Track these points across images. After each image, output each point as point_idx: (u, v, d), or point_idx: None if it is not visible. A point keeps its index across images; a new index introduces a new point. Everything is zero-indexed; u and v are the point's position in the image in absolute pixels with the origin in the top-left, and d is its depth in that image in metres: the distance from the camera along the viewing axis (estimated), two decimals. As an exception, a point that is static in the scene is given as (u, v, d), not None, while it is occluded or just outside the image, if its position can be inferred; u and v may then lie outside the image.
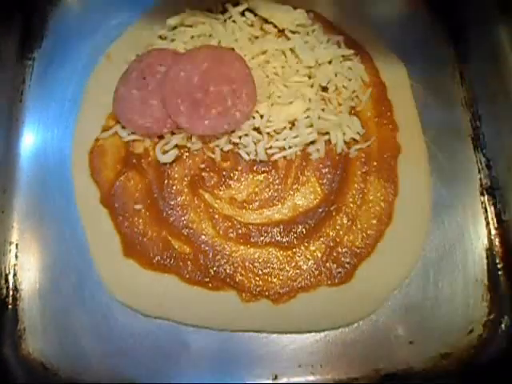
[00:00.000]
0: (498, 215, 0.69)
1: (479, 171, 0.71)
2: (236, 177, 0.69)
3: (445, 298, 0.65)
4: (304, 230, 0.67)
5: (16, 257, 0.67)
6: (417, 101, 0.74)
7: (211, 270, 0.65)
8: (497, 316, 0.65)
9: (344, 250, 0.66)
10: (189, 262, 0.65)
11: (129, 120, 0.69)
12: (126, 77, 0.71)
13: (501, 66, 0.70)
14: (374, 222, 0.67)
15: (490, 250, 0.68)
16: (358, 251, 0.66)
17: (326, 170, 0.69)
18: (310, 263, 0.65)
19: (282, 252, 0.66)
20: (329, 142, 0.70)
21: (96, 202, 0.68)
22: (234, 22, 0.74)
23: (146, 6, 0.78)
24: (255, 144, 0.69)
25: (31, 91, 0.75)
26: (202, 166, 0.69)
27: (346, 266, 0.65)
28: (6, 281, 0.66)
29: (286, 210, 0.68)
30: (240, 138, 0.69)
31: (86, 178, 0.69)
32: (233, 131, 0.68)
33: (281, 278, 0.65)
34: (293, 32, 0.73)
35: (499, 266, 0.67)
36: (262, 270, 0.65)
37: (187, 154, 0.70)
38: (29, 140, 0.72)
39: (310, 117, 0.68)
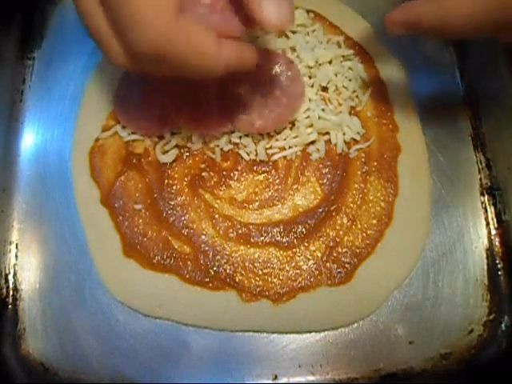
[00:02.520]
0: (498, 215, 0.69)
1: (479, 171, 0.71)
2: (236, 177, 0.69)
3: (445, 298, 0.65)
4: (304, 229, 0.67)
5: (16, 257, 0.67)
6: (417, 101, 0.74)
7: (211, 270, 0.65)
8: (497, 316, 0.65)
9: (344, 250, 0.66)
10: (189, 262, 0.65)
11: (129, 120, 0.69)
12: (126, 76, 0.71)
13: (501, 66, 0.70)
14: (374, 222, 0.67)
15: (490, 250, 0.68)
16: (358, 251, 0.66)
17: (326, 170, 0.69)
18: (310, 263, 0.65)
19: (282, 252, 0.66)
20: (329, 142, 0.70)
21: (96, 202, 0.68)
22: (234, 21, 0.74)
23: (146, 5, 0.78)
24: (255, 144, 0.69)
25: (31, 91, 0.75)
26: (202, 166, 0.69)
27: (346, 266, 0.65)
28: (6, 281, 0.66)
29: (286, 210, 0.68)
30: (240, 138, 0.69)
31: (86, 178, 0.69)
32: (233, 131, 0.69)
33: (281, 277, 0.65)
34: (293, 32, 0.73)
35: (499, 265, 0.67)
36: (262, 270, 0.65)
37: (187, 154, 0.70)
38: (29, 140, 0.72)
39: (310, 117, 0.69)
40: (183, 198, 0.68)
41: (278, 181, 0.69)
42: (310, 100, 0.69)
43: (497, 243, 0.68)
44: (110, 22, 0.46)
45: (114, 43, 0.48)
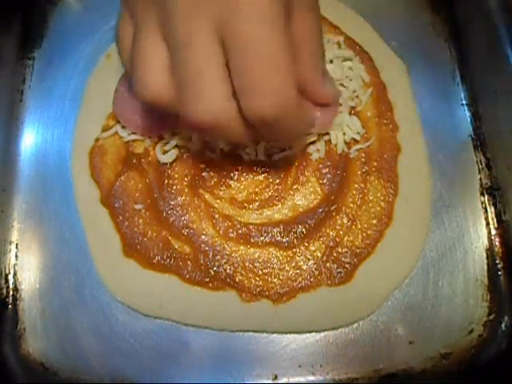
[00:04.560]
0: (498, 215, 0.69)
1: (479, 171, 0.71)
2: (236, 177, 0.69)
3: (445, 298, 0.65)
4: (304, 229, 0.67)
5: (16, 257, 0.67)
6: (417, 101, 0.74)
7: (211, 270, 0.65)
8: (497, 316, 0.65)
9: (344, 250, 0.66)
10: (189, 262, 0.65)
11: (129, 120, 0.69)
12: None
13: (501, 66, 0.70)
14: (374, 222, 0.67)
15: (490, 250, 0.68)
16: (358, 251, 0.66)
17: (326, 170, 0.69)
18: (310, 263, 0.65)
19: (282, 252, 0.66)
20: (329, 142, 0.70)
21: (96, 202, 0.68)
22: (234, 21, 0.74)
23: (146, 5, 0.78)
24: (255, 144, 0.69)
25: (31, 91, 0.75)
26: (202, 166, 0.69)
27: (346, 266, 0.65)
28: (6, 281, 0.67)
29: (286, 210, 0.68)
30: (240, 137, 0.69)
31: (86, 178, 0.69)
32: (233, 131, 0.68)
33: (281, 277, 0.65)
34: (293, 32, 0.73)
35: (499, 265, 0.67)
36: (262, 270, 0.65)
37: (187, 154, 0.70)
38: (29, 140, 0.72)
39: (310, 117, 0.69)
40: (183, 197, 0.68)
41: (278, 181, 0.69)
42: (310, 100, 0.69)
43: (497, 243, 0.68)
44: (233, 84, 0.46)
45: (166, 85, 0.48)
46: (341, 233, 0.67)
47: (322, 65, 0.56)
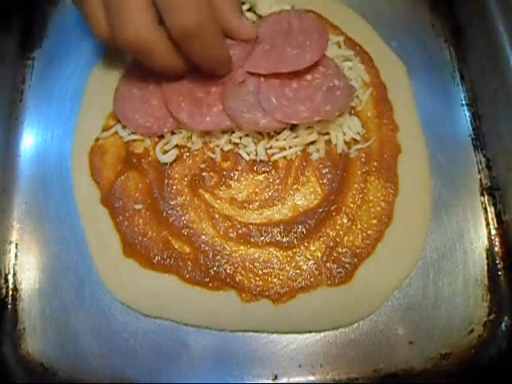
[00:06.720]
0: (498, 215, 0.69)
1: (479, 171, 0.71)
2: (236, 177, 0.69)
3: (445, 298, 0.65)
4: (304, 229, 0.67)
5: (16, 257, 0.67)
6: (417, 101, 0.74)
7: (211, 270, 0.65)
8: (497, 316, 0.65)
9: (344, 250, 0.66)
10: (189, 262, 0.65)
11: (129, 119, 0.69)
12: (127, 76, 0.71)
13: (501, 66, 0.70)
14: (374, 222, 0.67)
15: (489, 250, 0.68)
16: (358, 251, 0.66)
17: (327, 170, 0.69)
18: (310, 263, 0.65)
19: (282, 252, 0.66)
20: (329, 142, 0.70)
21: (96, 202, 0.68)
22: (234, 21, 0.74)
23: (146, 5, 0.78)
24: (255, 144, 0.69)
25: (31, 91, 0.75)
26: (202, 165, 0.69)
27: (346, 266, 0.65)
28: (6, 281, 0.67)
29: (286, 210, 0.68)
30: (240, 138, 0.69)
31: (86, 178, 0.69)
32: (233, 132, 0.69)
33: (281, 277, 0.65)
34: (293, 32, 0.73)
35: (499, 266, 0.67)
36: (262, 270, 0.65)
37: (187, 154, 0.70)
38: (29, 140, 0.72)
39: (310, 117, 0.68)
40: (183, 198, 0.68)
41: (278, 181, 0.69)
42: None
43: (497, 243, 0.68)
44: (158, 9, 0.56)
45: (102, 20, 0.59)
46: (341, 233, 0.67)
47: (238, 4, 0.63)
